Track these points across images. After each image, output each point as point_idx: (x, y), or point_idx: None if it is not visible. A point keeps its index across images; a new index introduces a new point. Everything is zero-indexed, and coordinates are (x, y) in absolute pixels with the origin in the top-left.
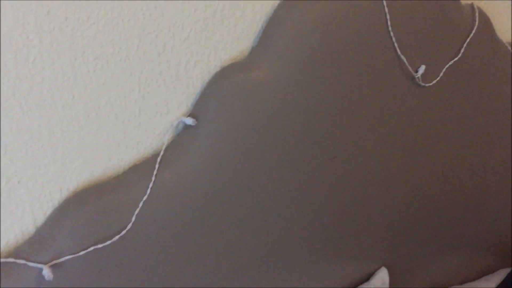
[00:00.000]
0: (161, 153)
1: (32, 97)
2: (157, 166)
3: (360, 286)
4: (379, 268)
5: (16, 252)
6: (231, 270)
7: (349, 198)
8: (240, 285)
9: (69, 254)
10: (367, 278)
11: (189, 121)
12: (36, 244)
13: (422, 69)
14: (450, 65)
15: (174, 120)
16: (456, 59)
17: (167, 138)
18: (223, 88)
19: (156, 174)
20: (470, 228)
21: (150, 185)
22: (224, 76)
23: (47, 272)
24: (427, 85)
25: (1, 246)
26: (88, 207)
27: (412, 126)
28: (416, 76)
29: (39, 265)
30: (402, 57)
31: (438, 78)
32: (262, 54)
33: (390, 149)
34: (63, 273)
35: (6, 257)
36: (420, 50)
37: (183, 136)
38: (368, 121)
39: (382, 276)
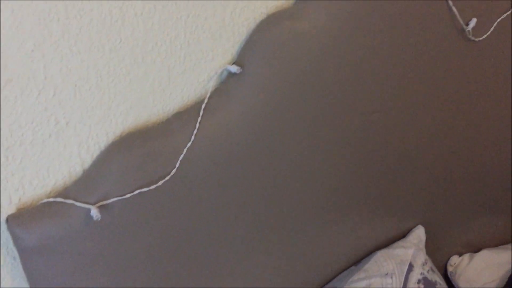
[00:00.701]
0: (206, 100)
1: (81, 39)
2: (201, 113)
3: (396, 242)
4: (416, 226)
5: (65, 192)
6: (272, 219)
7: (390, 154)
8: (280, 235)
9: (116, 197)
10: (403, 235)
11: (234, 68)
12: (84, 185)
13: (473, 22)
14: (502, 19)
15: (218, 68)
16: (508, 13)
17: (211, 86)
18: (269, 37)
19: (200, 121)
20: (508, 192)
21: (195, 132)
22: (270, 24)
23: (95, 213)
24: (477, 39)
25: (50, 187)
26: (134, 151)
27: (460, 81)
28: (467, 30)
29: (87, 206)
30: (454, 8)
31: (489, 33)
32: (308, 2)
33: (435, 105)
34: (109, 214)
35: (55, 197)
36: (471, 2)
37: (227, 84)
38: (415, 74)
39: (418, 234)
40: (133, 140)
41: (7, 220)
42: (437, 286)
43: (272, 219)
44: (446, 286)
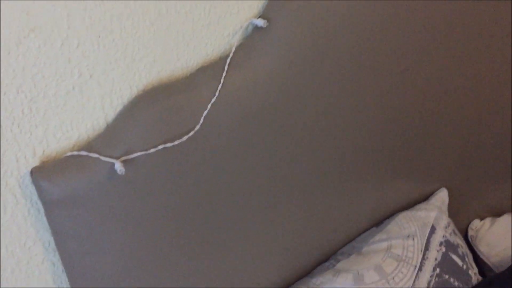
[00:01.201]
0: (230, 55)
1: None
2: (226, 68)
3: (419, 205)
4: (439, 188)
5: (88, 146)
6: (294, 178)
7: (414, 116)
8: (302, 195)
9: (139, 151)
10: (426, 198)
11: (260, 22)
12: (107, 139)
13: None
14: None
15: (244, 21)
16: None
17: (236, 40)
18: None
19: (225, 76)
20: None
21: (219, 87)
22: None
23: (119, 167)
24: None
25: (74, 140)
26: (158, 105)
27: (490, 42)
28: None
29: (111, 160)
30: None
31: None
32: None
33: (462, 66)
34: (133, 169)
35: (79, 150)
36: None
37: (253, 39)
38: (442, 35)
39: (441, 196)
40: (156, 95)
41: (31, 173)
42: (459, 249)
43: (294, 179)
44: (468, 249)
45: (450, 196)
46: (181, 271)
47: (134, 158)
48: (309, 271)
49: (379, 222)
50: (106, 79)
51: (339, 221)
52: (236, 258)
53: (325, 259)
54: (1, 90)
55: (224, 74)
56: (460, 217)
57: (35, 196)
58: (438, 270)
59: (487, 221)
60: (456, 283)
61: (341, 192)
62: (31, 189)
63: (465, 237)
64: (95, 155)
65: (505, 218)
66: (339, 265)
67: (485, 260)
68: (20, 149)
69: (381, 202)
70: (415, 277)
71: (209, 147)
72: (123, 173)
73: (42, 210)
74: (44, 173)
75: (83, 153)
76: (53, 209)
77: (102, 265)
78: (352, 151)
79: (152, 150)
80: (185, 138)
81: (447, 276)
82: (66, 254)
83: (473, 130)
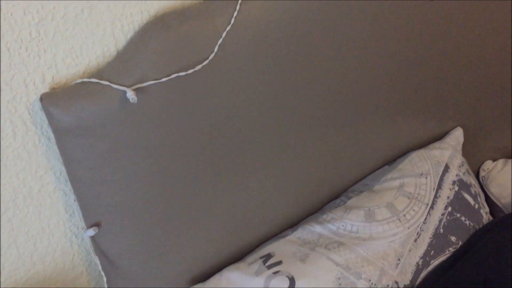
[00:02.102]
0: None
1: None
2: None
3: (433, 144)
4: (454, 128)
5: (99, 73)
6: (309, 113)
7: (432, 54)
8: (316, 130)
9: (152, 80)
10: (440, 137)
11: None
12: (119, 67)
13: None
14: None
15: None
16: None
17: None
18: None
19: (240, 3)
20: None
21: (235, 14)
22: None
23: (131, 95)
24: None
25: (83, 66)
26: (171, 32)
27: None
28: None
29: (123, 88)
30: None
31: None
32: None
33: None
34: (146, 98)
35: (89, 77)
36: None
37: None
38: None
39: (457, 136)
40: (169, 21)
41: (41, 99)
42: (472, 188)
43: (308, 114)
44: (480, 189)
45: (466, 135)
46: (192, 202)
47: (146, 86)
48: (320, 208)
49: (392, 161)
50: (117, 3)
51: (352, 159)
52: (247, 192)
53: (336, 197)
54: (8, 10)
55: (240, 1)
56: (473, 158)
57: (45, 124)
58: (450, 208)
59: (500, 162)
60: (467, 222)
61: (354, 130)
62: (41, 116)
63: (477, 178)
64: (106, 83)
65: None
66: (350, 202)
67: (496, 201)
68: (29, 74)
69: (395, 141)
70: (427, 214)
71: (223, 77)
72: (136, 102)
73: (53, 139)
74: (54, 100)
75: (94, 80)
76: (64, 137)
77: (114, 194)
78: (368, 88)
79: (165, 79)
80: (199, 67)
81: (458, 215)
82: (77, 183)
83: (491, 70)
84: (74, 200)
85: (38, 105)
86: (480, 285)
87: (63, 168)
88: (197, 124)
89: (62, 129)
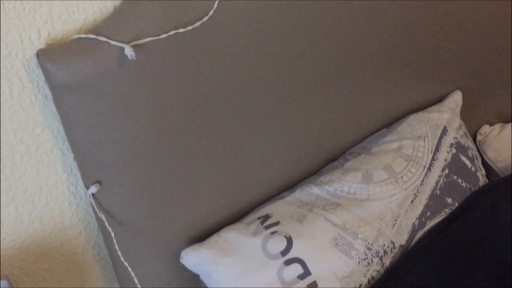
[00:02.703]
0: None
1: None
2: None
3: (432, 107)
4: (452, 91)
5: (96, 29)
6: (307, 75)
7: (430, 16)
8: (313, 93)
9: (150, 36)
10: (439, 101)
11: None
12: (116, 23)
13: None
14: None
15: None
16: None
17: None
18: None
19: None
20: None
21: None
22: None
23: (129, 51)
24: None
25: (80, 22)
26: None
27: None
28: None
29: (121, 44)
30: None
31: None
32: None
33: None
34: (144, 55)
35: (86, 33)
36: None
37: None
38: None
39: (455, 99)
40: None
41: (37, 55)
42: (469, 151)
43: (308, 75)
44: (478, 152)
45: (465, 98)
46: (190, 161)
47: (145, 43)
48: (317, 170)
49: (390, 124)
50: None
51: (350, 122)
52: (245, 153)
53: (334, 159)
54: None
55: None
56: (470, 123)
57: (41, 81)
58: (447, 170)
59: (497, 127)
60: (463, 184)
61: (353, 92)
62: (38, 73)
63: (474, 142)
64: (103, 39)
65: None
66: (348, 164)
67: (492, 165)
68: (25, 29)
69: (393, 104)
70: (424, 176)
71: (222, 35)
72: (134, 58)
73: (50, 96)
74: (51, 56)
75: (91, 36)
76: (61, 94)
77: (112, 152)
78: (366, 50)
79: (164, 36)
80: (198, 24)
81: (455, 177)
82: (75, 141)
83: (491, 33)
84: (73, 159)
85: (34, 61)
86: (475, 246)
87: (61, 127)
88: (196, 83)
89: (59, 85)
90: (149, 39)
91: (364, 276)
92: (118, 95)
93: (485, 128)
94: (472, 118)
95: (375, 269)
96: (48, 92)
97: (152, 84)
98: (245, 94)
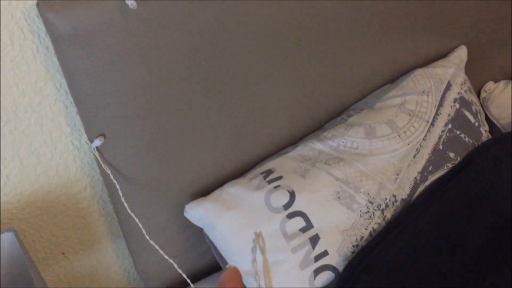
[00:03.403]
0: None
1: None
2: None
3: (437, 62)
4: (458, 46)
5: None
6: (313, 30)
7: None
8: (319, 49)
9: None
10: (443, 56)
11: None
12: None
13: None
14: None
15: None
16: None
17: None
18: None
19: None
20: None
21: None
22: None
23: (131, 0)
24: None
25: None
26: None
27: None
28: None
29: None
30: None
31: None
32: None
33: None
34: (146, 5)
35: None
36: None
37: None
38: None
39: (460, 54)
40: None
41: (37, 5)
42: (473, 106)
43: (311, 31)
44: (481, 108)
45: (470, 53)
46: (193, 114)
47: None
48: (321, 126)
49: (394, 79)
50: None
51: (352, 77)
52: (248, 109)
53: (337, 115)
54: None
55: None
56: (475, 79)
57: (42, 32)
58: (450, 125)
59: (501, 83)
60: (466, 139)
61: (356, 47)
62: (39, 24)
63: (478, 98)
64: None
65: None
66: (351, 120)
67: (495, 122)
68: None
69: (398, 59)
70: (427, 131)
71: None
72: (135, 7)
73: (51, 48)
74: (52, 6)
75: None
76: (63, 46)
77: (116, 105)
78: (370, 4)
79: None
80: None
81: (458, 132)
82: (78, 94)
83: None
84: (76, 113)
85: (34, 11)
86: (476, 199)
87: (63, 80)
88: (199, 35)
89: (60, 37)
90: None
91: (366, 229)
92: (120, 46)
93: (490, 85)
94: (477, 75)
95: (377, 222)
96: (49, 43)
97: (154, 35)
98: (249, 48)
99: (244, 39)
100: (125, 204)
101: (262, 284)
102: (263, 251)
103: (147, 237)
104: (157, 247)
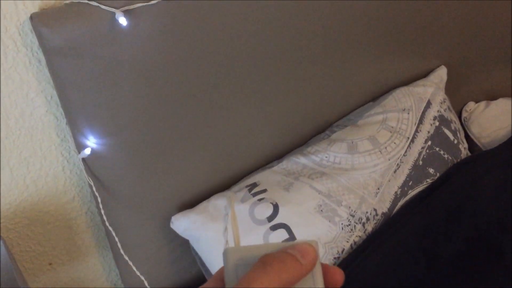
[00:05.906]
0: None
1: None
2: None
3: (417, 81)
4: (439, 66)
5: None
6: (297, 49)
7: None
8: (302, 68)
9: (141, 2)
10: (425, 75)
11: None
12: None
13: None
14: None
15: None
16: None
17: None
18: None
19: None
20: None
21: None
22: None
23: (120, 16)
24: None
25: None
26: None
27: None
28: None
29: (113, 9)
30: None
31: None
32: None
33: None
34: (135, 20)
35: None
36: None
37: None
38: None
39: (440, 74)
40: None
41: (31, 18)
42: (452, 124)
43: (297, 48)
44: (461, 126)
45: (448, 76)
46: (180, 129)
47: (136, 9)
48: (305, 142)
49: (377, 97)
50: None
51: (336, 95)
52: (234, 124)
53: (322, 131)
54: None
55: None
56: (456, 100)
57: (35, 46)
58: (429, 142)
59: (482, 104)
60: (446, 155)
61: (340, 66)
62: (32, 38)
63: (459, 119)
64: (95, 3)
65: (500, 101)
66: (334, 136)
67: (476, 141)
68: None
69: (380, 78)
70: (407, 147)
71: (213, 4)
72: (125, 24)
73: (43, 61)
74: (44, 20)
75: (84, 1)
76: (55, 58)
77: (104, 117)
78: (354, 24)
79: (154, 2)
80: None
81: (437, 148)
82: (68, 106)
83: (477, 10)
84: (66, 124)
85: (28, 25)
86: (454, 212)
87: (54, 92)
88: (187, 50)
89: (52, 49)
90: (139, 4)
91: (347, 241)
92: (110, 59)
93: (471, 105)
94: (458, 95)
95: (358, 235)
96: (42, 57)
97: (143, 49)
98: (235, 64)
99: (231, 56)
100: (104, 217)
101: (230, 237)
102: (232, 204)
103: (122, 251)
104: (130, 263)
